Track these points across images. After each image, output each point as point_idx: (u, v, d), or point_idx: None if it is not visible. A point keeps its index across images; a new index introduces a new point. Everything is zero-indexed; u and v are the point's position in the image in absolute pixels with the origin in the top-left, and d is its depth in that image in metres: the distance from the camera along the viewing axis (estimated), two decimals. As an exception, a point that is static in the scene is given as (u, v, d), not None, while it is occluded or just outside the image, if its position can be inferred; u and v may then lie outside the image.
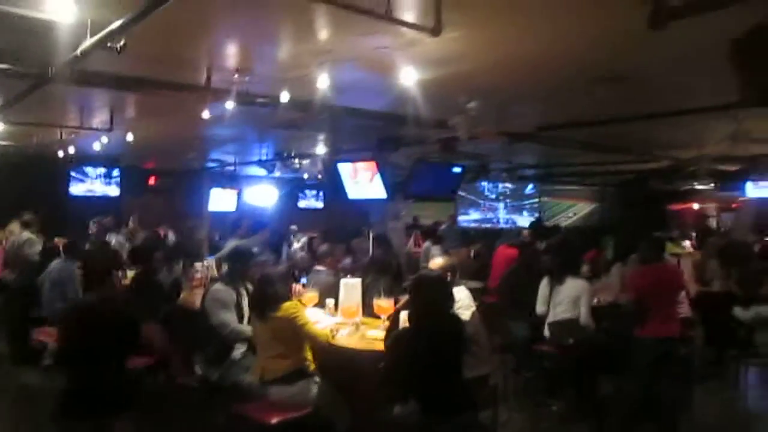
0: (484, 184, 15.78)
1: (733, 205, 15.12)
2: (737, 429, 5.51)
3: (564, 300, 5.31)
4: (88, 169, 11.58)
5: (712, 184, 12.83)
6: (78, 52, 3.81)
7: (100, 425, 3.40)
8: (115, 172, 11.91)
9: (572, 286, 5.33)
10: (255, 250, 5.08)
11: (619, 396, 5.54)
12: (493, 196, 16.68)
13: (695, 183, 11.99)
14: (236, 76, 5.01)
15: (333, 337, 4.07)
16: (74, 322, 3.57)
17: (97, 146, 8.08)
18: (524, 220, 15.48)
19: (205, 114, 5.49)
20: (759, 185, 12.87)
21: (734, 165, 11.29)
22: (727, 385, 6.58)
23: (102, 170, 11.71)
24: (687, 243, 8.42)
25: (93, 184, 11.70)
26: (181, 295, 5.90)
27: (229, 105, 5.26)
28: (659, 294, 4.99)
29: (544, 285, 5.54)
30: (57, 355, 4.27)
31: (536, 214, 15.70)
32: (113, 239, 8.78)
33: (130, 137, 7.78)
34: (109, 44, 3.61)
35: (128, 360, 3.75)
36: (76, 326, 3.54)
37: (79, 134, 7.80)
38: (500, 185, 16.08)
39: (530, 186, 16.49)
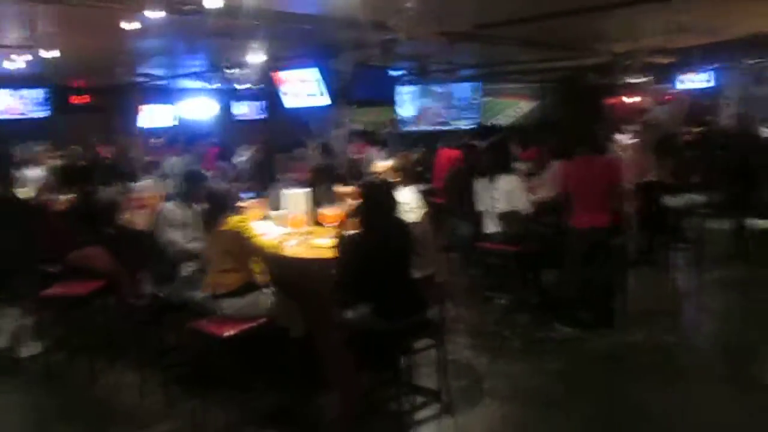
0: (426, 86, 15.69)
1: (666, 98, 15.51)
2: (666, 309, 5.89)
3: (500, 196, 5.46)
4: (11, 90, 10.91)
5: (647, 78, 13.08)
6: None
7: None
8: (41, 92, 11.26)
9: (505, 181, 5.47)
10: (195, 167, 4.98)
11: (558, 285, 5.83)
12: (435, 98, 16.64)
13: (631, 77, 12.18)
14: (160, -18, 4.74)
15: (281, 248, 4.10)
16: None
17: (19, 64, 7.60)
18: (466, 122, 15.56)
19: (133, 25, 5.21)
20: (689, 78, 13.22)
21: (668, 58, 11.49)
22: (657, 270, 6.99)
23: (27, 90, 11.05)
24: (622, 137, 8.64)
25: (19, 105, 11.09)
26: (125, 216, 5.79)
27: (155, 15, 4.99)
28: (587, 186, 5.17)
29: (478, 185, 5.66)
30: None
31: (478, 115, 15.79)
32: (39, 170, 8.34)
33: (54, 54, 7.33)
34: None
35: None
36: None
37: (-4, 53, 7.33)
38: (441, 87, 16.02)
39: (471, 86, 16.47)
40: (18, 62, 7.49)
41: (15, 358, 5.12)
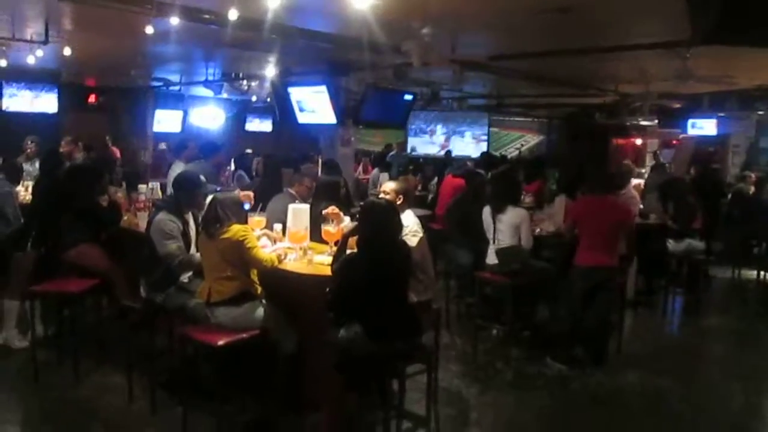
0: (435, 112, 15.81)
1: (673, 142, 15.58)
2: (661, 353, 5.86)
3: (505, 228, 5.46)
4: (24, 84, 10.95)
5: (655, 120, 13.14)
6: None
7: None
8: (53, 89, 11.30)
9: (513, 214, 5.47)
10: (202, 176, 4.84)
11: (553, 320, 5.82)
12: (443, 125, 16.78)
13: (639, 118, 12.24)
14: (181, -11, 4.79)
15: (280, 261, 4.09)
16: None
17: (31, 60, 7.65)
18: (473, 150, 15.65)
19: (149, 29, 5.25)
20: (698, 124, 13.29)
21: (677, 102, 11.57)
22: (655, 313, 6.97)
23: (39, 86, 11.09)
24: (634, 180, 8.71)
25: (29, 100, 11.12)
26: (125, 218, 5.78)
27: (174, 21, 5.03)
28: (595, 225, 5.15)
29: (486, 214, 5.67)
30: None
31: (485, 145, 15.90)
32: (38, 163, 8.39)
33: (67, 51, 7.39)
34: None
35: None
36: None
37: (10, 46, 7.37)
38: (451, 114, 16.14)
39: (479, 116, 16.61)
40: (33, 57, 7.53)
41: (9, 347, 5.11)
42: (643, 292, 7.16)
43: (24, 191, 6.90)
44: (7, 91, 10.81)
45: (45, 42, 6.86)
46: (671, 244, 6.94)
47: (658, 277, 7.20)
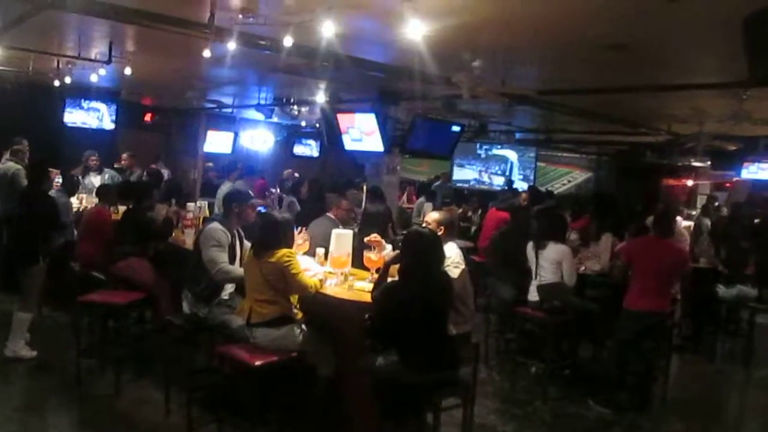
0: (482, 144, 15.78)
1: (727, 185, 15.18)
2: (707, 402, 5.65)
3: (547, 265, 5.38)
4: (84, 101, 11.37)
5: (708, 162, 12.84)
6: (80, -22, 3.72)
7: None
8: (112, 106, 11.70)
9: (554, 251, 5.39)
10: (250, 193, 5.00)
11: (595, 362, 5.67)
12: (489, 157, 16.72)
13: (692, 160, 11.97)
14: (240, 16, 4.92)
15: (322, 286, 4.11)
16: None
17: (94, 78, 7.96)
18: (519, 184, 15.53)
19: (206, 53, 5.40)
20: (754, 167, 12.91)
21: (732, 144, 11.28)
22: (703, 359, 6.74)
23: (98, 103, 11.51)
24: (679, 219, 8.48)
25: (88, 116, 11.53)
26: (173, 234, 5.92)
27: (231, 46, 5.17)
28: (651, 268, 5.00)
29: (530, 249, 5.61)
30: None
31: (532, 179, 15.77)
32: (106, 175, 8.71)
33: (128, 71, 7.65)
34: (112, -27, 3.53)
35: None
36: None
37: (76, 65, 7.67)
38: (497, 147, 16.10)
39: (527, 150, 16.51)
40: (95, 76, 7.83)
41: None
42: (690, 338, 6.93)
43: (78, 203, 7.13)
44: (70, 106, 11.24)
45: (108, 62, 7.12)
46: (721, 289, 6.72)
47: (706, 322, 6.97)
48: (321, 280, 4.10)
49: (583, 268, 6.00)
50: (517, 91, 7.25)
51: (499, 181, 16.37)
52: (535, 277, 5.48)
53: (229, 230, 4.48)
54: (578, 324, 5.45)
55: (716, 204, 12.41)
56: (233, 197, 4.83)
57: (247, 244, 4.55)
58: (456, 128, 9.37)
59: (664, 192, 16.22)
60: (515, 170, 16.91)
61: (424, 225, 4.54)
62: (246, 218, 4.65)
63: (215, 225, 4.47)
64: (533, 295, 5.48)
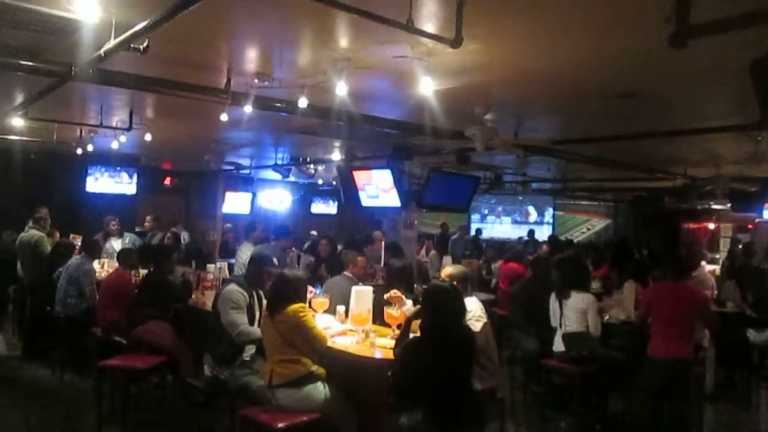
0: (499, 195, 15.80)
1: (749, 226, 14.98)
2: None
3: (571, 314, 5.30)
4: (106, 168, 11.64)
5: (729, 204, 12.71)
6: (101, 52, 3.85)
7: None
8: (132, 172, 11.96)
9: (578, 300, 5.31)
10: (273, 257, 5.00)
11: (626, 414, 5.50)
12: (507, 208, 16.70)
13: (711, 202, 11.86)
14: (256, 80, 5.05)
15: (341, 343, 4.08)
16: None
17: (115, 145, 8.16)
18: (538, 234, 15.43)
19: (224, 117, 5.53)
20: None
21: (751, 185, 11.19)
22: (737, 407, 6.51)
23: (119, 169, 11.78)
24: (703, 263, 8.34)
25: (110, 182, 11.77)
26: (193, 296, 5.93)
27: (248, 109, 5.30)
28: (671, 313, 4.90)
29: (552, 299, 5.54)
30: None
31: (550, 228, 15.69)
32: (127, 239, 8.82)
33: (148, 137, 7.84)
34: (132, 45, 3.65)
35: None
36: None
37: (97, 133, 7.88)
38: (515, 197, 16.10)
39: (544, 200, 16.49)
40: (116, 143, 8.03)
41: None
42: (723, 385, 6.72)
43: (100, 269, 7.20)
44: (92, 173, 11.51)
45: (129, 129, 7.32)
46: (752, 334, 6.55)
47: (739, 368, 6.78)
48: (332, 336, 4.09)
49: (607, 317, 5.90)
50: (530, 143, 7.31)
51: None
52: (560, 327, 5.39)
53: (247, 291, 4.48)
54: (606, 375, 5.31)
55: (740, 247, 12.21)
56: (252, 260, 4.86)
57: None
58: (471, 181, 9.42)
59: (686, 236, 16.02)
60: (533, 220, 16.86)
61: (443, 278, 4.52)
62: (260, 283, 4.63)
63: (232, 287, 4.48)
64: (558, 346, 5.38)
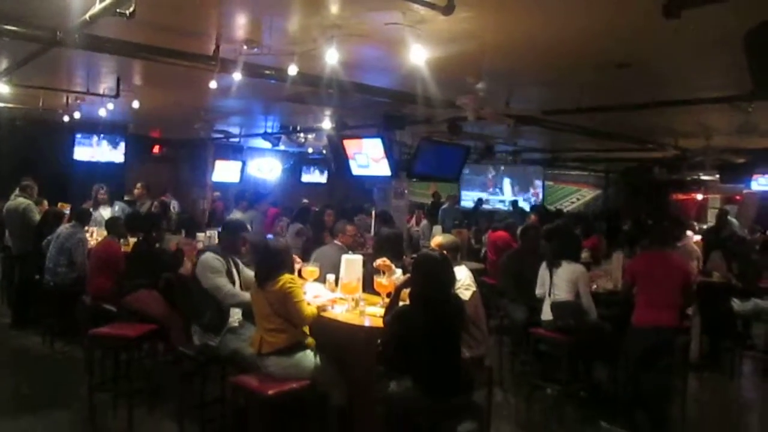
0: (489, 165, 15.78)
1: (737, 198, 15.10)
2: (726, 421, 5.55)
3: (561, 283, 5.33)
4: (93, 135, 11.51)
5: (717, 176, 12.79)
6: (87, 16, 3.79)
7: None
8: (120, 140, 11.84)
9: (568, 270, 5.34)
10: (249, 225, 4.98)
11: (611, 382, 5.59)
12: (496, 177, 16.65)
13: (700, 174, 11.93)
14: (245, 47, 4.99)
15: (324, 310, 4.10)
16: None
17: (102, 112, 8.07)
18: (526, 204, 15.49)
19: (213, 84, 5.47)
20: (764, 178, 12.85)
21: (740, 157, 11.25)
22: (721, 376, 6.63)
23: (107, 137, 11.65)
24: (690, 233, 8.41)
25: (98, 150, 11.65)
26: (184, 265, 5.93)
27: (237, 76, 5.24)
28: (656, 282, 4.93)
29: (543, 268, 5.57)
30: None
31: (538, 198, 15.71)
32: (116, 207, 8.77)
33: (136, 105, 7.75)
34: (118, 10, 3.58)
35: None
36: None
37: (84, 100, 7.79)
38: (505, 167, 16.08)
39: (534, 170, 16.46)
40: (104, 110, 7.93)
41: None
42: (708, 355, 6.83)
43: (90, 237, 7.16)
44: (79, 141, 11.38)
45: (116, 96, 7.23)
46: (737, 303, 6.64)
47: (723, 338, 6.88)
48: (319, 306, 4.10)
49: (595, 286, 5.95)
50: (521, 112, 7.29)
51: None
52: (549, 295, 5.43)
53: (223, 257, 4.48)
54: (593, 344, 5.37)
55: (728, 218, 12.33)
56: (224, 228, 4.90)
57: (246, 271, 4.58)
58: (462, 150, 9.40)
59: (674, 207, 16.15)
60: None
61: (433, 247, 4.53)
62: (234, 250, 4.64)
63: (208, 254, 4.48)
64: (546, 315, 5.42)
